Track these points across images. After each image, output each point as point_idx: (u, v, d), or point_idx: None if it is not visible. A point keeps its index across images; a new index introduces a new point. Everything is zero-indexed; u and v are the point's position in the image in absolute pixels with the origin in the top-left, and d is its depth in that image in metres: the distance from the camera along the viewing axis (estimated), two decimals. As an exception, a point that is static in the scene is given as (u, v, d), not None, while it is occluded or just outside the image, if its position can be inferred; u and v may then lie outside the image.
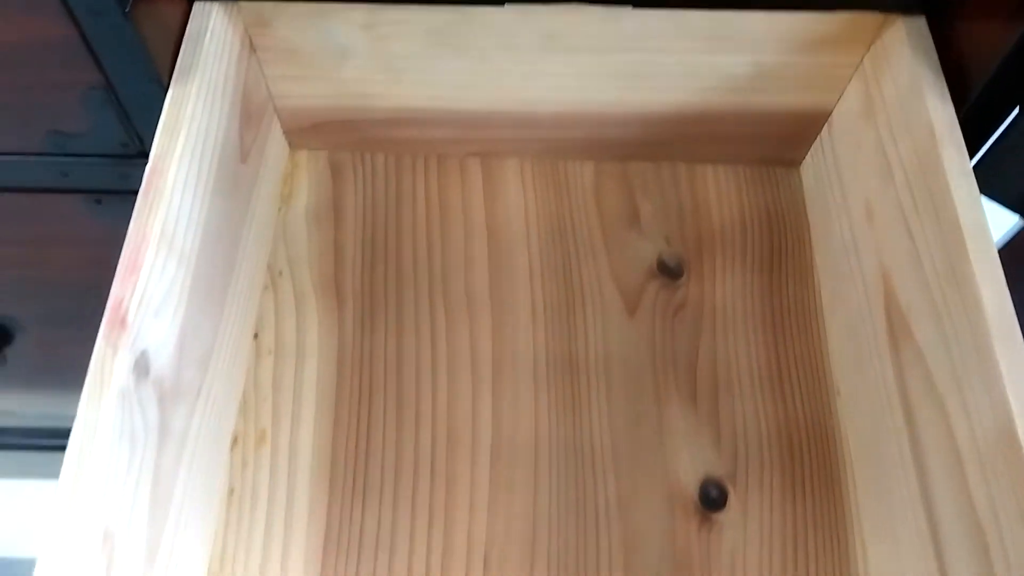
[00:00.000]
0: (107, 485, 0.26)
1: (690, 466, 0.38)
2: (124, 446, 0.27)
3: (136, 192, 0.30)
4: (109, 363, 0.26)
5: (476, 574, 0.36)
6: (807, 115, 0.42)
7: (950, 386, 0.30)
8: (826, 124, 0.43)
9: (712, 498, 0.37)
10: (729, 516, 0.37)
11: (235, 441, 0.38)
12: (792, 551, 0.36)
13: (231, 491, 0.38)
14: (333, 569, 0.36)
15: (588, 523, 0.37)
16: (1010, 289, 0.28)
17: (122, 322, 0.27)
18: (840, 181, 0.41)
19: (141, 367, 0.28)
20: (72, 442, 0.25)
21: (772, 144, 0.44)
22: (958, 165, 0.31)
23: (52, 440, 0.64)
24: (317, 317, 0.42)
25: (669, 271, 0.43)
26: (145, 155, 0.30)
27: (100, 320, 0.33)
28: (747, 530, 0.37)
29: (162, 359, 0.29)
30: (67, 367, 0.57)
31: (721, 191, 0.45)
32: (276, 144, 0.43)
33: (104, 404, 0.26)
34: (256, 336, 0.41)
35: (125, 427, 0.27)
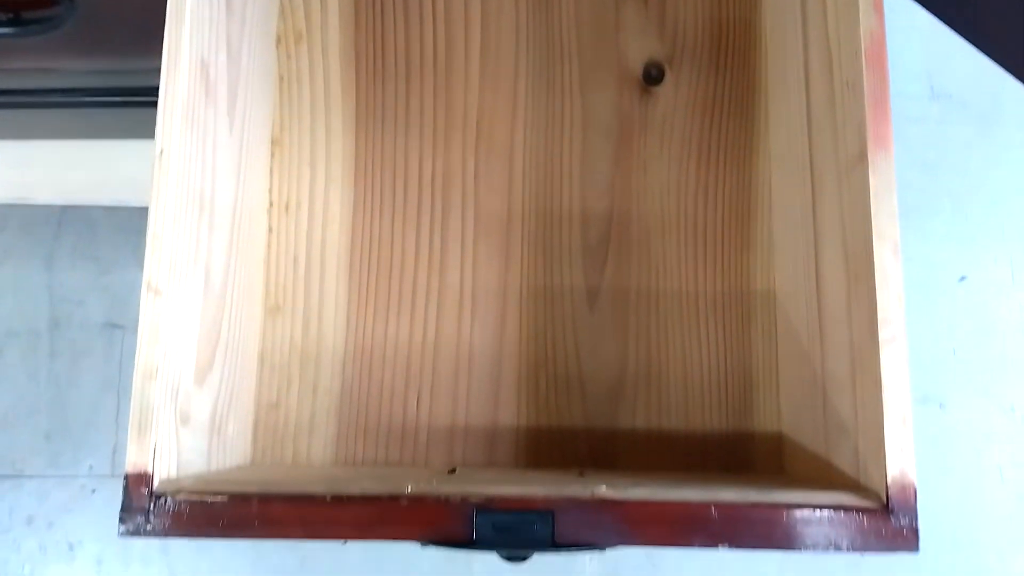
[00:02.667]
0: (199, 25, 0.37)
1: (638, 54, 0.48)
2: (204, 8, 0.37)
3: None
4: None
5: (471, 136, 0.48)
6: None
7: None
8: None
9: (652, 76, 0.48)
10: (664, 89, 0.48)
11: (279, 39, 0.49)
12: (710, 117, 0.48)
13: (281, 78, 0.49)
14: (364, 134, 0.48)
15: (555, 99, 0.48)
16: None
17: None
18: None
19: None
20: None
21: None
22: None
23: (118, 98, 0.70)
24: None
25: None
26: None
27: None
28: (677, 100, 0.48)
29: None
30: (126, 26, 0.65)
31: None
32: None
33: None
34: (284, -47, 0.49)
35: (203, -4, 0.37)
